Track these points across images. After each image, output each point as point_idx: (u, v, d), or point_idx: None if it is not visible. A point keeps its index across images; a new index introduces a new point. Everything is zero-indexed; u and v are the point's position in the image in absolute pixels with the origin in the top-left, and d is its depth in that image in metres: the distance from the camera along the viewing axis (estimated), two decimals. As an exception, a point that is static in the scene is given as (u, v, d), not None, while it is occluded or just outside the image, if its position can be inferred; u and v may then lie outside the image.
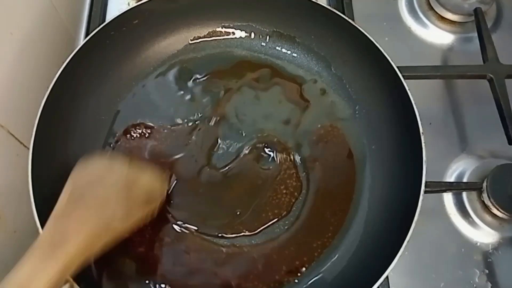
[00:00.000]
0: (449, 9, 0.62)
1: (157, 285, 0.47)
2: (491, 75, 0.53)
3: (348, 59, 0.56)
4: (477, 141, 0.56)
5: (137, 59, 0.57)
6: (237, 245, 0.48)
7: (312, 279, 0.47)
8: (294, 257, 0.48)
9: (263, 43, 0.59)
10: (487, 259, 0.50)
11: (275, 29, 0.59)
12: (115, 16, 0.53)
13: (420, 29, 0.64)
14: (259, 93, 0.56)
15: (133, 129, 0.54)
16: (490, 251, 0.50)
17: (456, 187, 0.52)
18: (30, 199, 0.43)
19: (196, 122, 0.54)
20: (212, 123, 0.54)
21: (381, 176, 0.51)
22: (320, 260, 0.48)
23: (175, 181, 0.51)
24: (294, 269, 0.47)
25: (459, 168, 0.54)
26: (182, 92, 0.56)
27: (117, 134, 0.54)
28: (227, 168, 0.52)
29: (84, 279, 0.40)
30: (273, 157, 0.53)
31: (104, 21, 0.59)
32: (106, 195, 0.42)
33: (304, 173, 0.52)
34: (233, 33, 0.60)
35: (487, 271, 0.49)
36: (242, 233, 0.49)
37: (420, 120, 0.46)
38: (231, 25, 0.59)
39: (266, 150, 0.53)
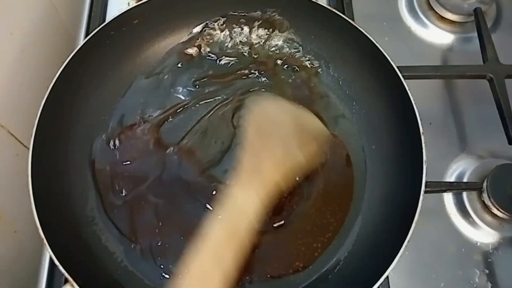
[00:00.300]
0: (449, 9, 0.62)
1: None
2: (491, 75, 0.53)
3: (348, 59, 0.56)
4: (477, 141, 0.56)
5: (137, 59, 0.57)
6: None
7: (312, 279, 0.47)
8: (294, 257, 0.48)
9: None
10: (487, 259, 0.50)
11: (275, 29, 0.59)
12: (115, 16, 0.53)
13: (420, 29, 0.64)
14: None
15: (133, 128, 0.54)
16: (490, 251, 0.50)
17: (456, 187, 0.52)
18: (30, 199, 0.43)
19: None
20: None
21: (381, 176, 0.51)
22: (320, 260, 0.48)
23: None
24: (294, 269, 0.47)
25: (459, 168, 0.54)
26: (182, 92, 0.56)
27: (117, 134, 0.53)
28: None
29: (82, 278, 0.41)
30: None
31: (104, 21, 0.59)
32: (284, 130, 0.47)
33: (304, 173, 0.52)
34: (233, 33, 0.60)
35: (487, 271, 0.49)
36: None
37: (420, 120, 0.46)
38: (231, 25, 0.59)
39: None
